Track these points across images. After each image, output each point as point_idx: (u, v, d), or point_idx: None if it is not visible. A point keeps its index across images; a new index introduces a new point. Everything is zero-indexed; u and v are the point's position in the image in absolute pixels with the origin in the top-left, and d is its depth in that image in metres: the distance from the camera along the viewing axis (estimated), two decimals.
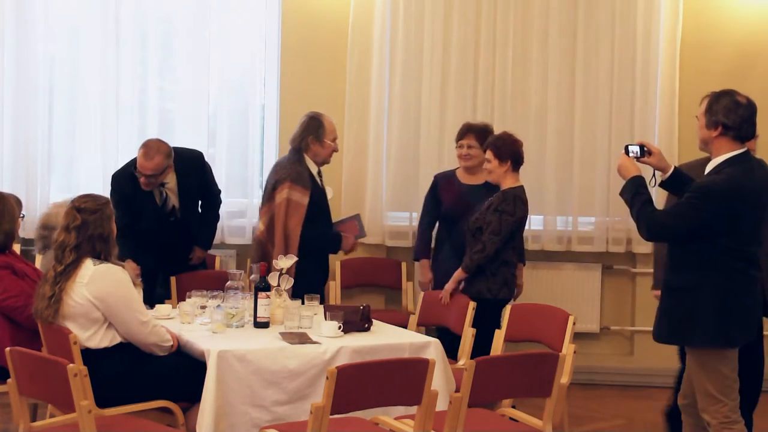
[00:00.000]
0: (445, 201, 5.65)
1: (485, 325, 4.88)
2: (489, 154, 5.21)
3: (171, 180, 5.52)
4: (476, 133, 5.51)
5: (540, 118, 6.61)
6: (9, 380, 3.70)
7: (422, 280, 5.77)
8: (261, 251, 5.13)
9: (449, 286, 5.19)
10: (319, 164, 5.38)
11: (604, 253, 6.67)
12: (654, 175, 4.14)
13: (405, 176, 6.61)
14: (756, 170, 3.92)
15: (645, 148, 4.06)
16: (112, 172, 5.72)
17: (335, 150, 5.42)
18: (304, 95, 6.54)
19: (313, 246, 5.27)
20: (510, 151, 5.17)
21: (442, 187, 5.70)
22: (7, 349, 3.72)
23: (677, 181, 4.08)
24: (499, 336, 4.81)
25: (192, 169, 5.63)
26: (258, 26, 6.62)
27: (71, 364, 3.46)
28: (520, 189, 5.19)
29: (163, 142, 5.44)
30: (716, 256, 3.82)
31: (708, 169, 3.94)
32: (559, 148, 6.60)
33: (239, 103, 6.62)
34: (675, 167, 4.14)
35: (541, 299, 5.83)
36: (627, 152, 4.08)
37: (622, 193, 4.06)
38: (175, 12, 6.65)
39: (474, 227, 5.21)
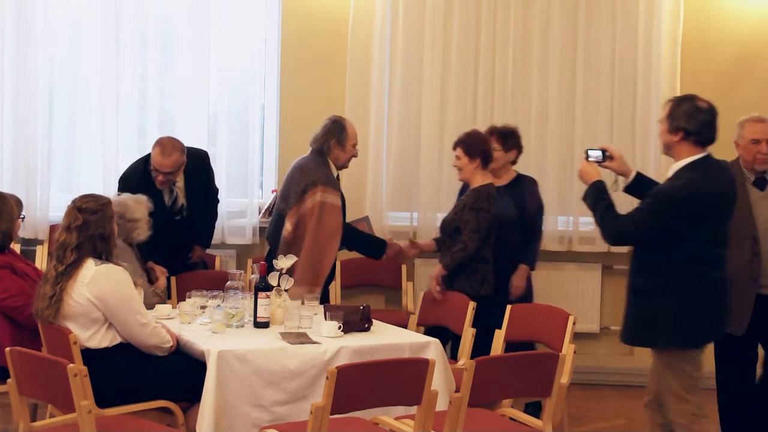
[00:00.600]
0: None
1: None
2: (459, 152, 5.29)
3: (180, 178, 5.53)
4: (498, 135, 5.51)
5: (541, 118, 6.61)
6: (9, 380, 3.70)
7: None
8: (287, 251, 5.14)
9: (432, 284, 5.24)
10: (338, 168, 5.40)
11: (604, 253, 6.66)
12: (616, 179, 4.18)
13: (405, 176, 6.62)
14: (717, 174, 3.95)
15: (607, 153, 4.11)
16: (113, 173, 5.73)
17: (355, 155, 5.43)
18: (304, 95, 6.55)
19: (350, 249, 5.43)
20: (480, 149, 5.26)
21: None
22: (7, 349, 3.72)
23: (640, 186, 4.11)
24: (499, 336, 4.81)
25: (199, 167, 5.65)
26: (258, 26, 6.62)
27: (71, 364, 3.46)
28: (492, 186, 5.26)
29: (176, 138, 5.46)
30: (677, 259, 3.86)
31: (669, 173, 3.98)
32: (559, 148, 6.60)
33: (239, 103, 6.62)
34: (637, 172, 4.18)
35: (541, 299, 5.84)
36: (588, 157, 4.10)
37: (584, 199, 4.11)
38: (175, 12, 6.65)
39: (450, 228, 5.28)
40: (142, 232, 4.88)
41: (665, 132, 3.95)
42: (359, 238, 5.46)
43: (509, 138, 5.45)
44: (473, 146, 5.25)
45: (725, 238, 3.99)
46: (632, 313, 4.02)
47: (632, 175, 4.14)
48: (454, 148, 5.35)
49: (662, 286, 3.88)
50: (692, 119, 3.89)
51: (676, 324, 3.87)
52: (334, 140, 5.30)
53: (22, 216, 4.71)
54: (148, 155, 5.43)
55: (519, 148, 5.59)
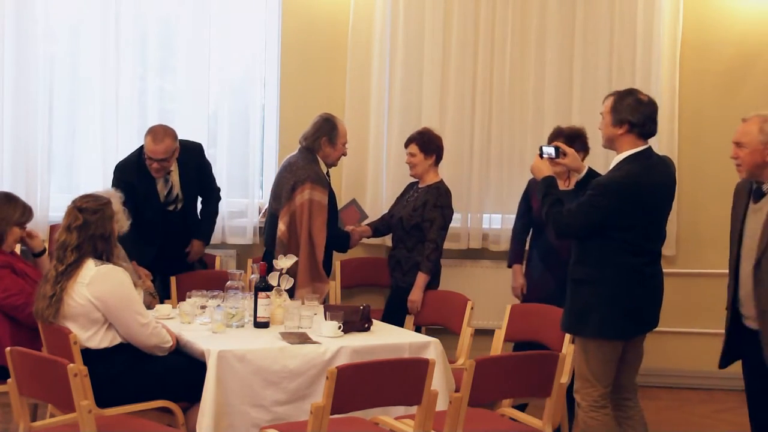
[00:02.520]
0: (536, 206, 5.36)
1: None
2: (413, 148, 5.50)
3: (174, 169, 5.55)
4: (565, 138, 5.34)
5: (539, 118, 6.60)
6: (9, 380, 3.71)
7: (514, 285, 5.66)
8: (284, 251, 5.15)
9: (417, 296, 5.34)
10: (328, 166, 5.45)
11: None
12: (569, 175, 4.27)
13: (405, 176, 6.59)
14: (657, 167, 4.02)
15: (560, 150, 4.21)
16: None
17: (344, 154, 5.49)
18: (304, 95, 6.54)
19: (330, 246, 5.42)
20: (435, 146, 5.48)
21: (534, 192, 5.44)
22: (7, 349, 3.72)
23: (591, 180, 4.14)
24: (499, 336, 4.82)
25: (192, 159, 5.66)
26: (258, 26, 6.61)
27: (71, 364, 3.46)
28: (443, 182, 5.51)
29: (167, 126, 5.48)
30: (613, 251, 3.94)
31: (611, 165, 4.04)
32: None
33: (239, 103, 6.62)
34: (588, 167, 4.28)
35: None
36: (541, 154, 4.19)
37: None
38: (175, 12, 6.64)
39: (409, 224, 5.43)
40: (123, 224, 4.87)
41: (608, 125, 4.03)
42: (333, 238, 5.44)
43: (576, 140, 5.33)
44: (428, 143, 5.47)
45: (661, 234, 4.09)
46: (569, 301, 4.09)
47: (584, 170, 4.25)
48: (407, 145, 5.53)
49: (597, 276, 3.96)
50: (636, 112, 3.97)
51: (606, 315, 3.94)
52: (326, 138, 5.34)
53: (24, 226, 4.68)
54: (143, 146, 5.45)
55: (586, 150, 5.43)
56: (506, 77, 6.60)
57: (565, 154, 4.20)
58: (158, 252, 5.48)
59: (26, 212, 4.68)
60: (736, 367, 4.60)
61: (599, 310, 3.95)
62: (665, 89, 6.58)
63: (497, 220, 6.67)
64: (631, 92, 4.04)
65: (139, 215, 5.25)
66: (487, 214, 6.66)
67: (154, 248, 5.44)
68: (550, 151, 4.18)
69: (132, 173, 5.46)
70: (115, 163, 6.02)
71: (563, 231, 4.06)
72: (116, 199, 4.87)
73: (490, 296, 6.43)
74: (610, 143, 4.07)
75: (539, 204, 4.11)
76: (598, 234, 3.94)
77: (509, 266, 5.72)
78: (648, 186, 3.93)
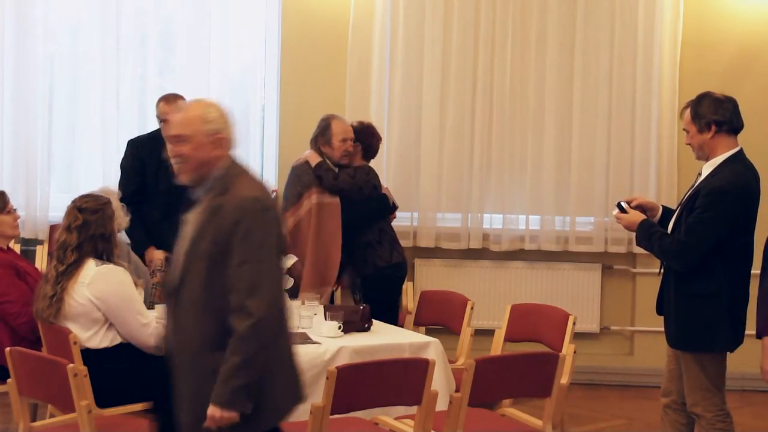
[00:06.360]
0: None
1: (391, 293, 5.32)
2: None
3: None
4: None
5: (539, 118, 6.59)
6: (9, 380, 3.70)
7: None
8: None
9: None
10: (335, 165, 5.44)
11: (603, 253, 6.66)
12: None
13: (405, 176, 6.61)
14: (752, 167, 3.96)
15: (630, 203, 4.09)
16: (113, 173, 5.75)
17: (348, 149, 5.43)
18: (304, 95, 6.55)
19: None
20: (367, 143, 5.51)
21: None
22: (7, 349, 3.72)
23: (666, 220, 4.07)
24: (499, 336, 4.82)
25: None
26: (258, 26, 6.62)
27: (71, 364, 3.47)
28: (369, 167, 5.50)
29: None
30: (729, 260, 3.83)
31: (707, 170, 3.93)
32: (557, 147, 6.59)
33: (239, 103, 6.62)
34: (663, 206, 4.16)
35: (541, 299, 5.83)
36: (622, 210, 4.05)
37: (639, 244, 4.08)
38: (175, 12, 6.65)
39: None
40: (122, 221, 4.88)
41: (696, 134, 3.92)
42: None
43: None
44: (360, 136, 5.51)
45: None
46: (684, 317, 3.91)
47: (659, 212, 4.11)
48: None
49: (715, 289, 3.83)
50: (720, 110, 3.89)
51: (729, 328, 3.84)
52: (321, 139, 5.38)
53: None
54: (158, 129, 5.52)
55: None
56: (507, 77, 6.59)
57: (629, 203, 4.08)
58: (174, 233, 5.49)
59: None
60: None
61: (722, 323, 3.83)
62: (666, 89, 6.57)
63: (498, 220, 6.66)
64: (705, 95, 3.95)
65: (154, 189, 5.28)
66: (487, 214, 6.65)
67: (174, 222, 5.45)
68: (624, 204, 4.05)
69: (144, 147, 5.51)
70: (115, 163, 6.04)
71: (693, 258, 3.83)
72: (114, 197, 4.88)
73: (490, 296, 6.43)
74: (701, 151, 3.94)
75: (650, 247, 3.93)
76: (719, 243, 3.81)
77: (759, 337, 3.80)
78: (754, 185, 3.87)
